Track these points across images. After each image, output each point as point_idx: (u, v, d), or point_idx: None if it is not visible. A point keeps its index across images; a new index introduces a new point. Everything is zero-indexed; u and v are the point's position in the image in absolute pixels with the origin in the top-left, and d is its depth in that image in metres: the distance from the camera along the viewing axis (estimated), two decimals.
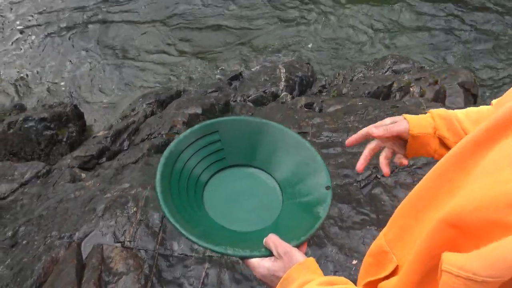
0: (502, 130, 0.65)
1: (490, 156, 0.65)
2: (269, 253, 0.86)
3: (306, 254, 0.88)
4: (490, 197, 0.56)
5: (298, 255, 0.84)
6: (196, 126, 1.07)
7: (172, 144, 1.03)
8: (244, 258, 0.87)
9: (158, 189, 0.94)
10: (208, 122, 1.08)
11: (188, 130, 1.06)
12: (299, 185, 1.02)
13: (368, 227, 2.44)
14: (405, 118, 1.04)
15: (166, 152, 1.01)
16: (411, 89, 3.96)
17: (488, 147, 0.66)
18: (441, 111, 1.06)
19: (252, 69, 5.48)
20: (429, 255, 0.67)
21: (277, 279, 0.83)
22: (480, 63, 5.71)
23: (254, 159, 1.08)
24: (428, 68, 4.98)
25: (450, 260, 0.57)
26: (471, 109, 1.08)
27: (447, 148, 1.04)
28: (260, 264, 0.85)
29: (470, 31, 6.42)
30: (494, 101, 1.07)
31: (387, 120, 1.06)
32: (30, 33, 6.53)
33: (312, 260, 0.84)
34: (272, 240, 0.86)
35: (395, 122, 1.05)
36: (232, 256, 0.87)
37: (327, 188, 0.99)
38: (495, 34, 6.31)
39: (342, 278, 0.81)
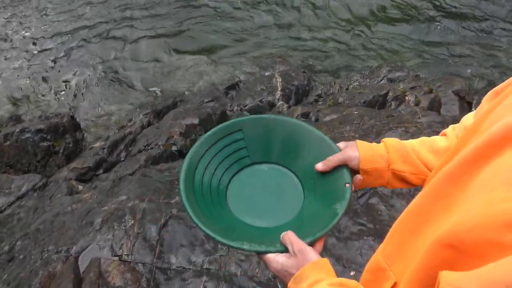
0: (495, 147, 0.66)
1: (484, 174, 0.66)
2: (284, 249, 0.89)
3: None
4: (486, 216, 0.57)
5: (312, 254, 0.86)
6: (221, 125, 1.10)
7: (197, 143, 1.06)
8: (260, 253, 0.90)
9: (182, 186, 0.97)
10: (232, 121, 1.12)
11: (213, 129, 1.09)
12: (320, 182, 1.04)
13: (365, 237, 2.44)
14: (357, 147, 1.04)
15: (191, 151, 1.04)
16: (406, 98, 3.99)
17: (482, 164, 0.67)
18: (395, 142, 1.06)
19: (249, 78, 5.50)
20: (425, 275, 0.68)
21: (290, 276, 0.85)
22: (474, 71, 5.76)
23: (277, 156, 1.11)
24: (423, 76, 5.01)
25: (448, 279, 0.58)
26: (425, 138, 1.08)
27: (400, 179, 1.04)
28: (275, 259, 0.88)
29: (464, 41, 6.48)
30: (447, 130, 1.08)
31: (341, 144, 1.07)
32: (28, 46, 6.55)
33: (325, 261, 0.86)
34: (289, 237, 0.89)
35: (347, 147, 1.05)
36: (248, 251, 0.89)
37: (347, 184, 1.00)
38: (489, 43, 6.37)
39: (354, 281, 0.82)
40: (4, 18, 6.98)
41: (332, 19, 6.96)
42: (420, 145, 1.06)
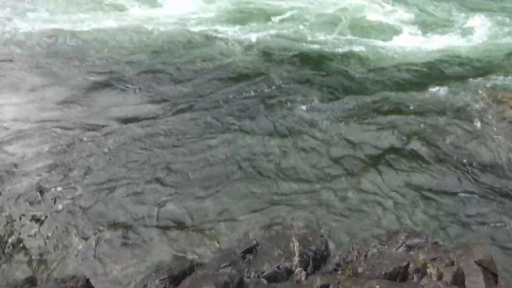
0: None
1: None
2: None
3: None
4: None
5: None
6: None
7: None
8: None
9: None
10: None
11: None
12: None
13: None
14: None
15: None
16: (428, 270, 3.92)
17: None
18: None
19: (266, 241, 5.51)
20: None
21: None
22: (496, 237, 5.72)
23: None
24: (441, 243, 4.97)
25: None
26: None
27: None
28: None
29: (487, 197, 6.57)
30: None
31: None
32: (53, 203, 6.84)
33: None
34: None
35: None
36: None
37: None
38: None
39: None
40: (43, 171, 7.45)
41: (343, 170, 7.21)
42: None
